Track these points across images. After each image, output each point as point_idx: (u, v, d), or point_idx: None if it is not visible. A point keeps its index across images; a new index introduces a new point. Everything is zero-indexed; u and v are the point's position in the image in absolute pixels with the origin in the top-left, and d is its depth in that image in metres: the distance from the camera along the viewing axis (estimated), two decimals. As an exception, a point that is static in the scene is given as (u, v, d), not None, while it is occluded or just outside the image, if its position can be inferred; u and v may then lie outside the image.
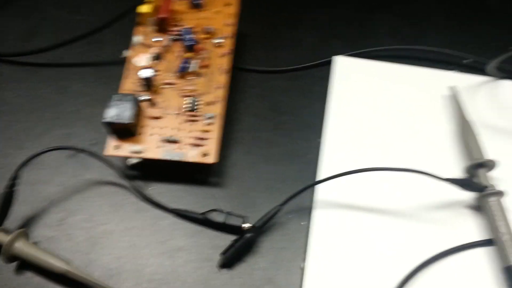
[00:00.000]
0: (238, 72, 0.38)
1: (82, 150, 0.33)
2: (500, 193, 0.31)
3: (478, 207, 0.32)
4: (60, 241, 0.32)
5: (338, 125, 0.35)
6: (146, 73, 0.33)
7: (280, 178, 0.34)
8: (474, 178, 0.32)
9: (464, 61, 0.38)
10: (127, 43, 0.37)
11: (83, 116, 0.36)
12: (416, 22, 0.42)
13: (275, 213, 0.31)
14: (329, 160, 0.34)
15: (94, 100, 0.37)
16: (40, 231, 0.32)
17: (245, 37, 0.40)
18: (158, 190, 0.33)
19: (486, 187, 0.31)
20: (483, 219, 0.32)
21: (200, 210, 0.32)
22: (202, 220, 0.32)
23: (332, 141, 0.35)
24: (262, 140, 0.35)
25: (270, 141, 0.35)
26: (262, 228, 0.31)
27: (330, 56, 0.39)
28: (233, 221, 0.32)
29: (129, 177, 0.33)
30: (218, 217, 0.32)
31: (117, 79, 0.37)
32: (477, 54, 0.39)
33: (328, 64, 0.39)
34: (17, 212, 0.32)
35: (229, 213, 0.32)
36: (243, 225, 0.31)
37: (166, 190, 0.33)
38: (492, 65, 0.35)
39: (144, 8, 0.35)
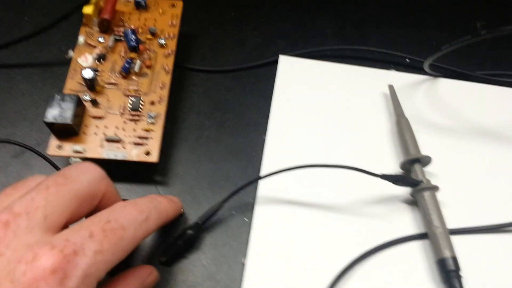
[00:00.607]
0: (184, 72, 0.39)
1: (25, 146, 0.33)
2: (434, 188, 0.32)
3: (414, 202, 0.33)
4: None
5: (281, 123, 0.36)
6: (88, 73, 0.33)
7: (224, 175, 0.35)
8: (411, 173, 0.34)
9: (407, 60, 0.40)
10: (73, 43, 0.37)
11: (28, 116, 0.36)
12: (360, 23, 0.43)
13: (217, 209, 0.32)
14: (271, 157, 0.35)
15: (39, 100, 0.37)
16: None
17: (191, 37, 0.40)
18: (102, 189, 0.33)
19: (420, 182, 0.32)
20: (418, 213, 0.33)
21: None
22: None
23: (275, 139, 0.35)
24: (206, 138, 0.36)
25: (214, 139, 0.36)
26: (204, 225, 0.32)
27: (276, 56, 0.39)
28: None
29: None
30: None
31: (63, 79, 0.37)
32: (417, 54, 0.40)
33: (273, 63, 0.39)
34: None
35: None
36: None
37: (110, 189, 0.34)
38: (427, 63, 0.36)
39: (88, 9, 0.35)
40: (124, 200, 0.26)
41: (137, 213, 0.24)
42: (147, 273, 0.28)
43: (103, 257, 0.22)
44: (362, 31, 0.42)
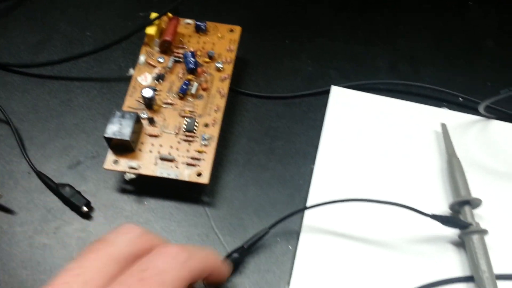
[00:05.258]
0: (237, 96, 0.40)
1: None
2: (483, 231, 0.32)
3: (461, 243, 0.33)
4: (55, 248, 0.33)
5: (330, 154, 0.36)
6: (148, 92, 0.34)
7: (270, 202, 0.35)
8: (459, 214, 0.33)
9: (460, 99, 0.40)
10: (132, 61, 0.39)
11: (85, 129, 0.38)
12: (413, 58, 0.43)
13: (263, 235, 0.32)
14: (318, 187, 0.35)
15: (97, 114, 0.38)
16: (36, 237, 0.33)
17: (246, 63, 0.41)
18: (152, 206, 0.34)
19: (470, 224, 0.32)
20: (465, 255, 0.32)
21: (192, 227, 0.33)
22: (55, 190, 0.34)
23: (323, 169, 0.36)
24: (255, 164, 0.37)
25: (263, 165, 0.36)
26: (249, 249, 0.32)
27: (328, 86, 0.40)
28: (77, 201, 0.34)
29: (125, 191, 0.35)
30: (66, 192, 0.34)
31: (121, 95, 0.38)
32: (471, 93, 0.40)
33: (325, 93, 0.40)
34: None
35: (78, 193, 0.34)
36: (84, 208, 0.34)
37: (160, 206, 0.34)
38: (483, 105, 0.36)
39: (151, 30, 0.37)
40: None
41: (179, 251, 0.24)
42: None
43: None
44: (415, 67, 0.42)
